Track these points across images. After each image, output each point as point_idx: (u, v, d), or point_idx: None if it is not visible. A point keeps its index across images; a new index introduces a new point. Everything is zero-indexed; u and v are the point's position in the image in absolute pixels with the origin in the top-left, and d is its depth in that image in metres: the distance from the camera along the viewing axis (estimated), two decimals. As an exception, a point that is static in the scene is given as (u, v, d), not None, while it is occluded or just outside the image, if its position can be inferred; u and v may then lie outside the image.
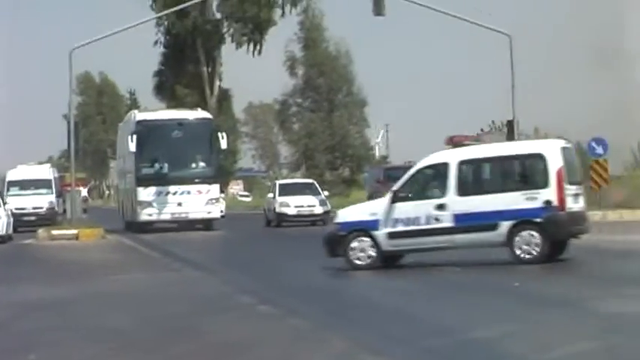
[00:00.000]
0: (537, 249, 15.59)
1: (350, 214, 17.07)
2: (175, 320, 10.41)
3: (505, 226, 15.69)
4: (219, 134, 32.68)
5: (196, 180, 32.46)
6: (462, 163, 16.26)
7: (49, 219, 34.93)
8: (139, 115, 34.13)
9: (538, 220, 15.71)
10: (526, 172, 17.00)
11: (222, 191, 36.49)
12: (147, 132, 32.01)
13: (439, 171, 16.49)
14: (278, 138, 80.00)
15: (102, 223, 33.54)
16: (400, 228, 16.08)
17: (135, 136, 31.37)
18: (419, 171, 16.68)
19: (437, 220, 15.96)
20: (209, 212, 32.40)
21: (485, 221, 15.81)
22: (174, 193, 31.99)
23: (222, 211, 34.61)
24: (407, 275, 15.91)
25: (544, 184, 15.88)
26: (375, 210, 16.64)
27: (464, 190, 16.12)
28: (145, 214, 32.02)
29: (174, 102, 54.23)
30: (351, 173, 60.05)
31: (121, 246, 27.15)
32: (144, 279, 16.48)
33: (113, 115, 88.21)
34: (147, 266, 19.50)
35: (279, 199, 34.84)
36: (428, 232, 15.96)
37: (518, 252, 15.62)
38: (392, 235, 16.02)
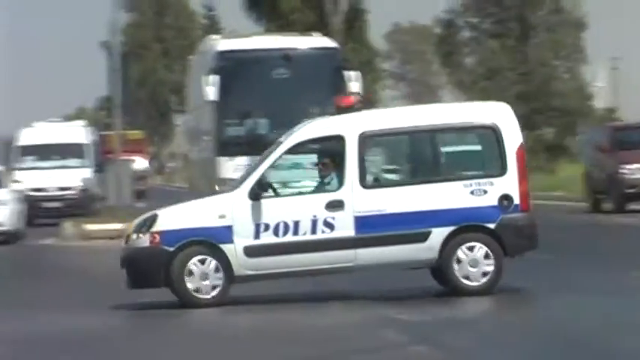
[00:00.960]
0: (489, 271, 15.53)
1: (181, 216, 16.23)
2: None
3: (438, 234, 15.53)
4: (349, 74, 31.45)
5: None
6: (365, 136, 15.81)
7: (81, 206, 34.75)
8: (221, 44, 33.27)
9: (491, 225, 15.59)
10: (470, 152, 16.97)
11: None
12: (234, 70, 31.33)
13: (330, 149, 16.31)
14: (440, 80, 79.30)
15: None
16: (267, 239, 15.61)
17: (215, 77, 30.58)
18: (297, 148, 16.28)
19: (328, 225, 15.60)
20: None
21: (406, 227, 15.53)
22: (280, 169, 31.21)
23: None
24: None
25: (499, 171, 15.78)
26: (224, 210, 15.84)
27: (371, 178, 15.93)
28: (232, 201, 31.47)
29: (277, 23, 53.74)
30: (558, 136, 58.61)
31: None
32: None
33: (181, 43, 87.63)
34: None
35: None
36: (313, 246, 15.59)
37: (458, 276, 15.52)
38: (253, 251, 15.57)
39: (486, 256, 15.51)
